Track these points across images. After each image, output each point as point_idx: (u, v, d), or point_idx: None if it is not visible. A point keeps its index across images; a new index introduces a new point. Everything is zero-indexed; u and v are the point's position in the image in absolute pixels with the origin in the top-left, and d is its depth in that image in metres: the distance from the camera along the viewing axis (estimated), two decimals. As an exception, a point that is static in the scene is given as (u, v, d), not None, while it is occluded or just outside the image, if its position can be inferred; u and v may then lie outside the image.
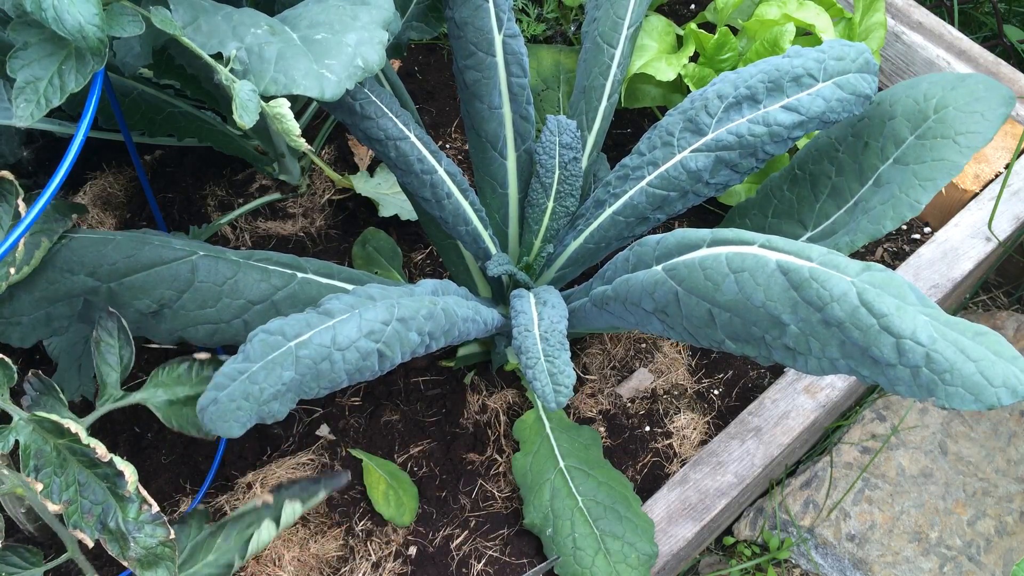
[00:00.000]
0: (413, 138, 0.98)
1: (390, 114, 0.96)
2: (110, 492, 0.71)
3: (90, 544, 0.72)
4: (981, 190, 1.35)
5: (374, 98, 0.95)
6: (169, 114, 1.33)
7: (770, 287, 0.72)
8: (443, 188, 1.01)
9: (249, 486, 1.19)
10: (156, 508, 0.73)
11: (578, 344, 1.33)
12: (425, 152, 0.99)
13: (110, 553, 0.71)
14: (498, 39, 1.03)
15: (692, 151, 0.95)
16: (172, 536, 0.73)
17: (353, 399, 1.27)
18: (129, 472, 0.72)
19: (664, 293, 0.80)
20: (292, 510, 0.83)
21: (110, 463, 0.71)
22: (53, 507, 0.70)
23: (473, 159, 1.12)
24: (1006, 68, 1.44)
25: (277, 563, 1.13)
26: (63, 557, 0.84)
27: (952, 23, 1.65)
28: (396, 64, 1.61)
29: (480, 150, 1.09)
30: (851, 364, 0.69)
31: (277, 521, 0.83)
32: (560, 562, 1.08)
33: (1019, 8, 1.74)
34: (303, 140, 0.79)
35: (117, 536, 0.71)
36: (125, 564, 0.72)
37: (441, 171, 1.01)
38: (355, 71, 0.78)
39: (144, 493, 0.73)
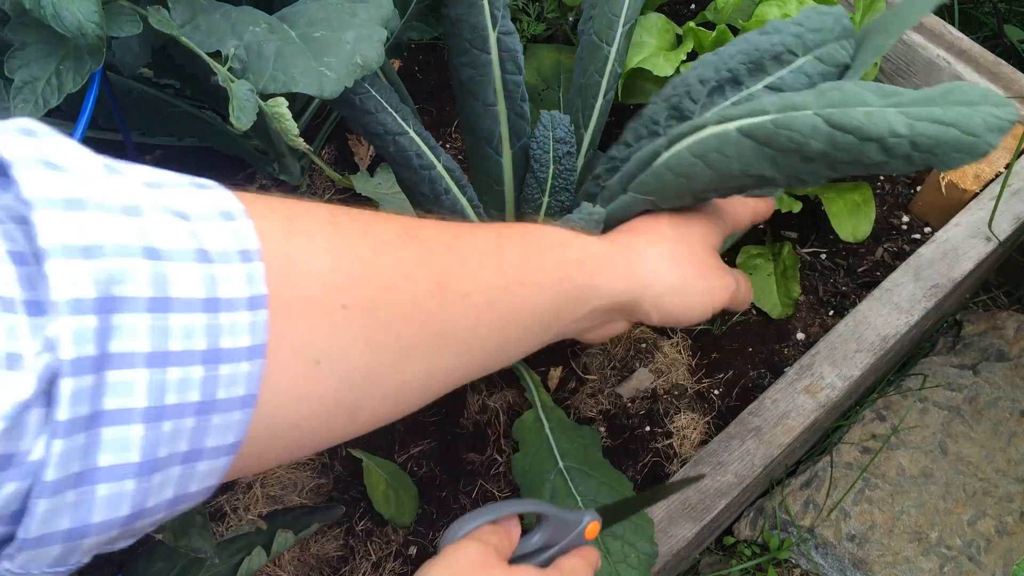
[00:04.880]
0: (412, 133, 0.97)
1: (389, 109, 0.95)
2: None
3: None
4: (981, 190, 1.35)
5: (374, 92, 0.94)
6: (169, 114, 1.32)
7: (742, 155, 0.71)
8: (441, 184, 1.01)
9: (249, 486, 1.19)
10: None
11: (579, 344, 1.33)
12: (424, 147, 0.98)
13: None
14: (492, 36, 1.02)
15: None
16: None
17: (353, 399, 1.27)
18: None
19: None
20: (284, 539, 0.82)
21: None
22: None
23: (469, 156, 1.12)
24: (1006, 68, 1.44)
25: (277, 563, 1.13)
26: None
27: (952, 23, 1.65)
28: (396, 64, 1.61)
29: (476, 147, 1.09)
30: (846, 170, 0.69)
31: (268, 549, 0.81)
32: (560, 562, 1.08)
33: (1019, 8, 1.74)
34: (302, 140, 0.79)
35: None
36: (158, 535, 0.70)
37: (440, 167, 1.00)
38: (354, 68, 0.78)
39: None
